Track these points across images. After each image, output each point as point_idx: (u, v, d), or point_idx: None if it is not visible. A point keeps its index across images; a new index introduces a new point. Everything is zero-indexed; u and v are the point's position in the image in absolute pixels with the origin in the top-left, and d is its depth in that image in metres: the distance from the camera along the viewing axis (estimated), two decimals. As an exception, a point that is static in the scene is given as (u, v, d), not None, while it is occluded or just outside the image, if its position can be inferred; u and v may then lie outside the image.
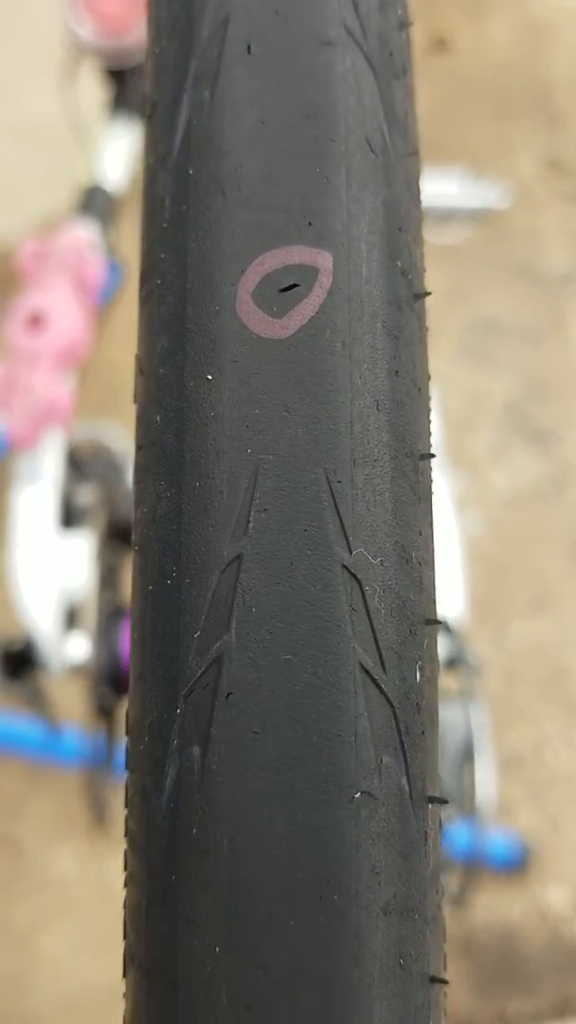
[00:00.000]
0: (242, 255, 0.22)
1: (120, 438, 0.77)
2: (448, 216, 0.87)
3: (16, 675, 0.63)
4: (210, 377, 0.22)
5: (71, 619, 0.64)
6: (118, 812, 0.83)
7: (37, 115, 1.32)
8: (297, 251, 0.22)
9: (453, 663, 0.67)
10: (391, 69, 0.25)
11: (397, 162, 0.24)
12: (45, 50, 1.02)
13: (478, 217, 0.89)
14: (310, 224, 0.23)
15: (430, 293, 0.24)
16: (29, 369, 0.64)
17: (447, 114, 1.81)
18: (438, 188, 0.87)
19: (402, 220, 0.24)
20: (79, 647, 0.63)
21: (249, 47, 0.23)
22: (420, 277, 0.24)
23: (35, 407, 0.63)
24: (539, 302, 1.62)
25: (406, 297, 0.24)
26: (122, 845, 0.22)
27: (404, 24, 0.26)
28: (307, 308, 0.22)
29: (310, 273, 0.22)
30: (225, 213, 0.22)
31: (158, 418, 0.22)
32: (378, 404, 0.22)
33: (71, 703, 0.72)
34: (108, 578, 0.64)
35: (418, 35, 1.90)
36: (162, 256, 0.23)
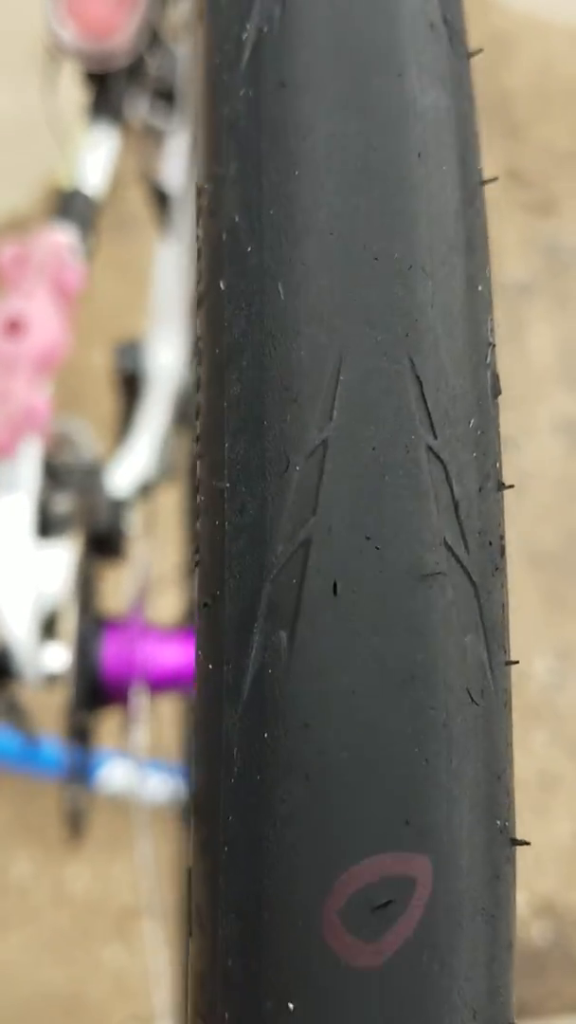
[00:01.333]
0: (327, 867, 0.19)
1: (88, 433, 0.76)
2: None
3: (-9, 686, 0.62)
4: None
5: (48, 629, 0.63)
6: (94, 825, 0.82)
7: (1, 115, 1.30)
8: (391, 860, 0.20)
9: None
10: (491, 563, 0.23)
11: (496, 695, 0.22)
12: (9, 47, 1.00)
13: None
14: (407, 823, 0.20)
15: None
16: (7, 376, 0.63)
17: (409, 121, 1.83)
18: None
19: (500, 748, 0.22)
20: (56, 657, 0.63)
21: (335, 586, 0.20)
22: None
23: (12, 414, 0.62)
24: (498, 311, 1.64)
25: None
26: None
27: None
28: (403, 928, 0.20)
29: (406, 885, 0.20)
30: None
31: None
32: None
33: (48, 714, 0.71)
34: (86, 587, 0.64)
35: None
36: None
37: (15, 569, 0.62)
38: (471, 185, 0.23)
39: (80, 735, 0.62)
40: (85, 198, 0.69)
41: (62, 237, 0.67)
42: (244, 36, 0.22)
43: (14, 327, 0.64)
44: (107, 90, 0.70)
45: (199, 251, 0.23)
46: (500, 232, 1.74)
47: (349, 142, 0.21)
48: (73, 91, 0.74)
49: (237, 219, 0.22)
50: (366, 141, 0.22)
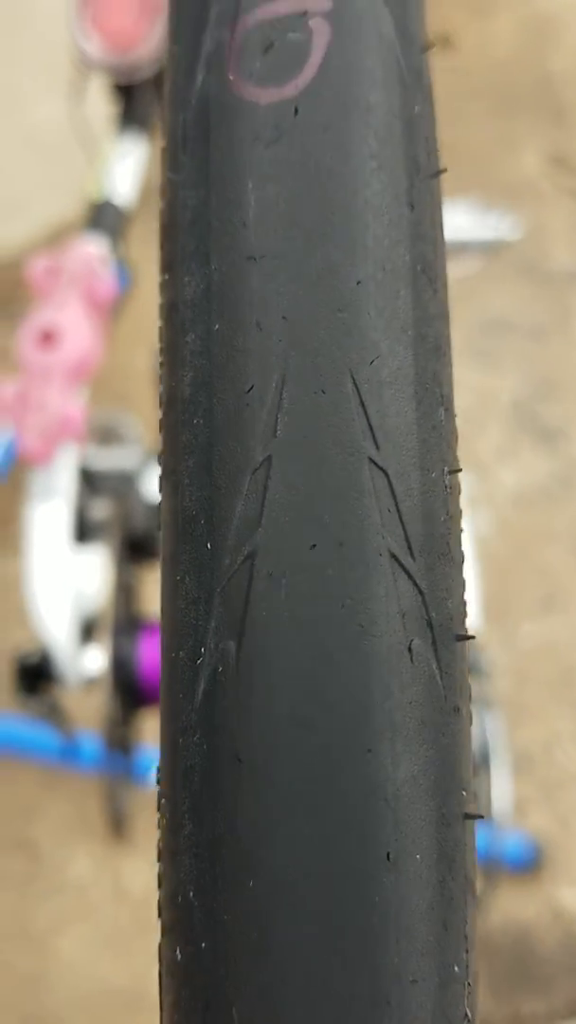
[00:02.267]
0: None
1: (135, 427, 0.77)
2: (459, 249, 0.86)
3: (33, 689, 0.63)
4: None
5: (87, 632, 0.64)
6: (135, 821, 0.84)
7: (46, 124, 1.33)
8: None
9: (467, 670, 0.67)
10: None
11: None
12: (54, 59, 1.02)
13: (490, 249, 0.89)
14: None
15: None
16: (42, 385, 0.65)
17: (451, 112, 1.81)
18: (448, 221, 0.86)
19: None
20: (95, 660, 0.64)
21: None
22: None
23: (48, 423, 0.64)
24: (545, 300, 1.62)
25: None
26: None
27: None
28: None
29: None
30: None
31: None
32: None
33: (88, 717, 0.72)
34: (124, 591, 0.65)
35: (422, 32, 1.89)
36: None
37: (54, 574, 0.63)
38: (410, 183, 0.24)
39: (119, 736, 0.63)
40: (115, 208, 0.70)
41: (93, 248, 0.69)
42: None
43: (47, 338, 0.66)
44: (134, 101, 0.71)
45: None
46: (547, 219, 1.71)
47: None
48: (101, 103, 0.75)
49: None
50: None
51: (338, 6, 0.23)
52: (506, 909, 1.14)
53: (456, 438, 0.23)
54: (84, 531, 0.66)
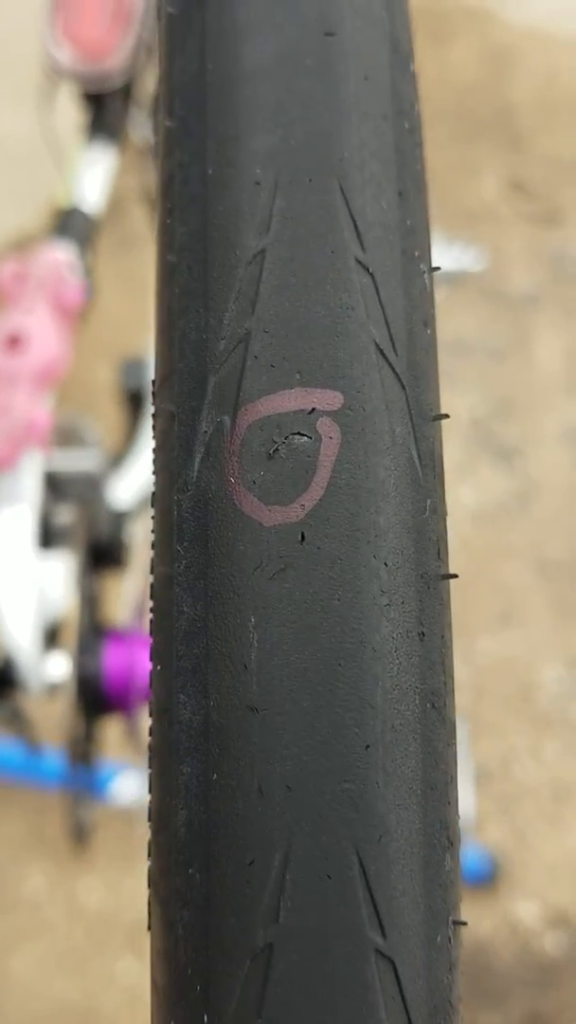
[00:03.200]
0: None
1: (94, 430, 0.77)
2: None
3: (-5, 696, 0.63)
4: None
5: (51, 638, 0.64)
6: (106, 838, 0.83)
7: (12, 135, 1.32)
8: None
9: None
10: None
11: None
12: (20, 69, 1.02)
13: (453, 280, 0.90)
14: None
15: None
16: (8, 390, 0.64)
17: (413, 136, 1.84)
18: None
19: None
20: (59, 667, 0.63)
21: None
22: None
23: (14, 428, 0.63)
24: (504, 322, 1.65)
25: None
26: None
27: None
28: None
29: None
30: None
31: None
32: None
33: (51, 723, 0.71)
34: (88, 598, 0.64)
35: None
36: None
37: (18, 580, 0.63)
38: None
39: (82, 744, 0.63)
40: (83, 215, 0.70)
41: (61, 254, 0.69)
42: None
43: (14, 342, 0.65)
44: (104, 110, 0.71)
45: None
46: (505, 243, 1.75)
47: None
48: (71, 112, 0.75)
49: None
50: None
51: (348, 403, 0.21)
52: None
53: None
54: (48, 537, 0.65)
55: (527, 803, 1.23)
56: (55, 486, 0.67)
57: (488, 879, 1.15)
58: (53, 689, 0.62)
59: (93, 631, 0.63)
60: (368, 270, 0.22)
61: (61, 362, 0.67)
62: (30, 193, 1.45)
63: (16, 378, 0.64)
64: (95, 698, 0.61)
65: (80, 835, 0.68)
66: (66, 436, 0.75)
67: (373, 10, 0.24)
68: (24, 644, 0.61)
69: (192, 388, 0.22)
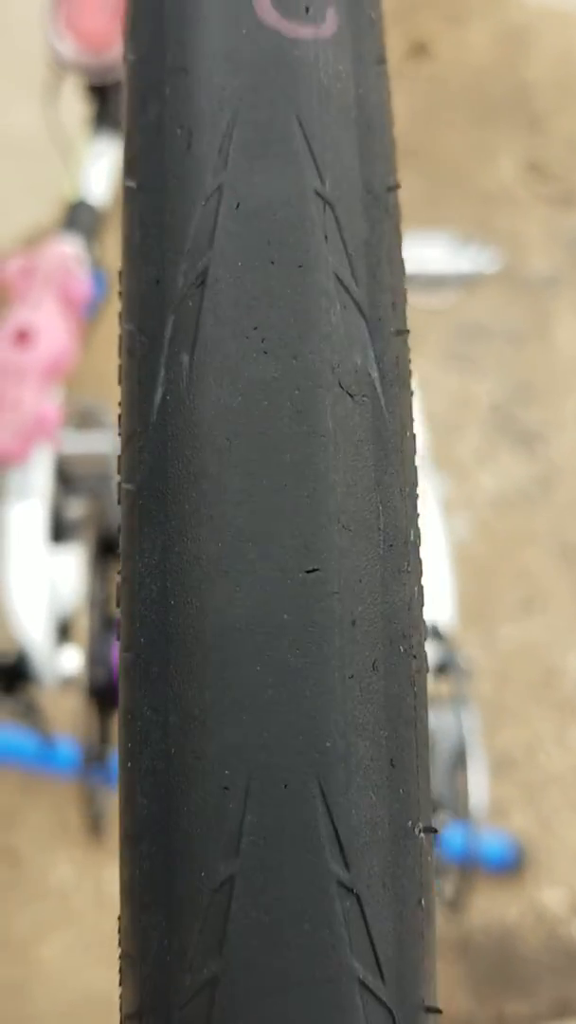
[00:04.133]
0: None
1: (109, 413, 0.77)
2: (437, 282, 0.87)
3: (9, 689, 0.63)
4: None
5: (63, 632, 0.64)
6: (113, 823, 0.83)
7: (22, 129, 1.33)
8: None
9: (444, 668, 0.67)
10: None
11: None
12: (29, 64, 1.02)
13: (467, 282, 0.89)
14: None
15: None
16: (16, 384, 0.64)
17: (428, 120, 1.82)
18: (426, 253, 0.86)
19: None
20: (72, 660, 0.64)
21: None
22: None
23: (23, 422, 0.63)
24: (523, 305, 1.63)
25: None
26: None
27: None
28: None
29: None
30: None
31: None
32: None
33: (65, 715, 0.72)
34: (100, 590, 0.65)
35: (398, 40, 1.91)
36: None
37: (30, 574, 0.63)
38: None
39: (96, 738, 0.63)
40: (89, 208, 0.70)
41: (68, 248, 0.69)
42: None
43: (23, 337, 0.65)
44: (108, 102, 0.71)
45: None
46: (523, 226, 1.73)
47: None
48: (77, 105, 0.75)
49: None
50: None
51: None
52: (489, 910, 1.14)
53: None
54: (60, 530, 0.65)
55: (552, 790, 1.22)
56: (66, 479, 0.67)
57: (514, 866, 1.15)
58: (66, 682, 0.63)
59: (105, 624, 0.63)
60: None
61: (69, 356, 0.67)
62: (46, 187, 1.45)
63: (25, 373, 0.64)
64: (108, 691, 0.61)
65: (97, 825, 0.68)
66: (83, 418, 0.75)
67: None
68: (37, 638, 0.61)
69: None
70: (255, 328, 0.22)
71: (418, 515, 0.24)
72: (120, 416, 0.23)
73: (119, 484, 0.23)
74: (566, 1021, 1.10)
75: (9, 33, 1.37)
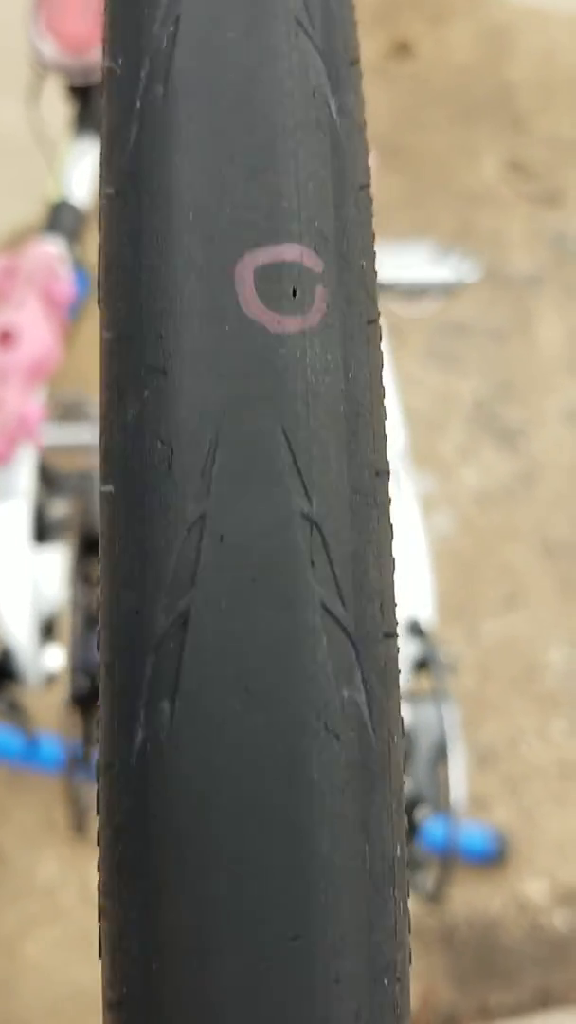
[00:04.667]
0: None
1: (95, 406, 0.78)
2: (418, 290, 0.87)
3: (-6, 687, 0.64)
4: None
5: (47, 631, 0.65)
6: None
7: (7, 129, 1.32)
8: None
9: (425, 663, 0.68)
10: None
11: None
12: (13, 64, 1.03)
13: (449, 291, 0.90)
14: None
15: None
16: (0, 386, 0.65)
17: (410, 118, 1.83)
18: (407, 262, 0.87)
19: None
20: (55, 658, 0.64)
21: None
22: None
23: (6, 423, 0.64)
24: (505, 303, 1.64)
25: None
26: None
27: None
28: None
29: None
30: None
31: None
32: None
33: (48, 713, 0.73)
34: (82, 591, 0.65)
35: (381, 40, 1.91)
36: None
37: (14, 574, 0.64)
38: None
39: (79, 733, 0.64)
40: (72, 209, 0.70)
41: (51, 248, 0.69)
42: None
43: (5, 337, 0.66)
44: (90, 102, 0.71)
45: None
46: (506, 225, 1.74)
47: None
48: (60, 106, 0.75)
49: None
50: None
51: None
52: (472, 902, 1.15)
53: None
54: (44, 530, 0.66)
55: (535, 783, 1.24)
56: (49, 479, 0.67)
57: (496, 858, 1.16)
58: (50, 681, 0.63)
59: (88, 623, 0.64)
60: None
61: (52, 356, 0.67)
62: (31, 187, 1.45)
63: (8, 373, 0.65)
64: (91, 688, 0.62)
65: (80, 821, 0.69)
66: (68, 411, 0.75)
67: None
68: (21, 637, 0.62)
69: None
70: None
71: (403, 833, 0.23)
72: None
73: None
74: (549, 1011, 1.11)
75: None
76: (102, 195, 0.24)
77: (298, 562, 0.22)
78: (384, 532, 0.24)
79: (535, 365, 1.58)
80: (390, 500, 0.24)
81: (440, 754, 0.64)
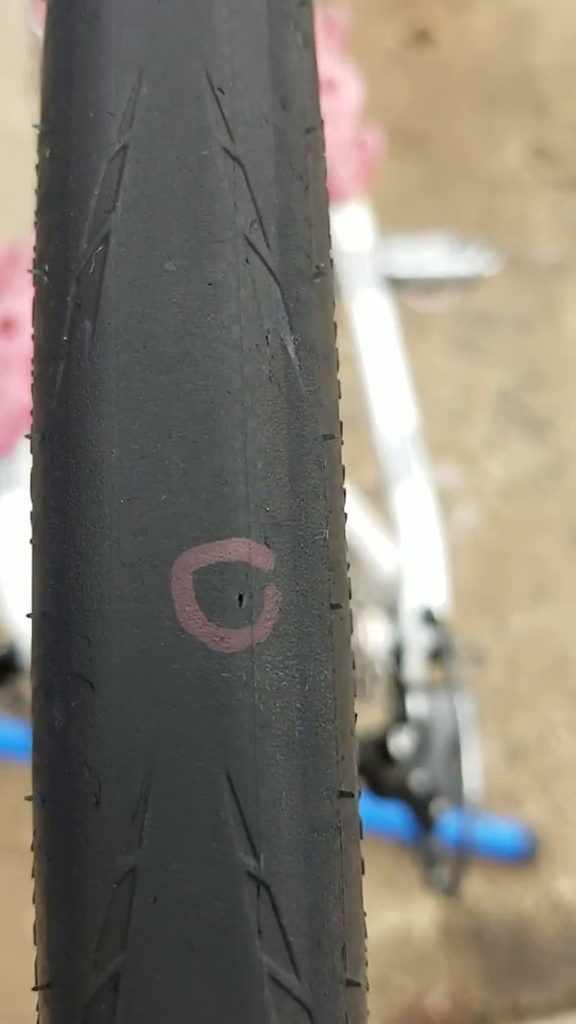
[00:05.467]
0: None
1: None
2: (435, 284, 0.85)
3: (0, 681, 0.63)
4: None
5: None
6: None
7: (25, 125, 1.33)
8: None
9: (439, 654, 0.66)
10: None
11: None
12: (19, 65, 1.02)
13: (466, 285, 0.88)
14: None
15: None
16: (2, 374, 0.64)
17: (433, 106, 1.81)
18: (424, 256, 0.85)
19: None
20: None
21: None
22: None
23: (8, 413, 0.63)
24: (530, 291, 1.61)
25: None
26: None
27: None
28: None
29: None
30: None
31: None
32: None
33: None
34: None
35: (401, 28, 1.89)
36: None
37: (18, 565, 0.63)
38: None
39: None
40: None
41: (52, 236, 0.68)
42: None
43: (7, 326, 0.65)
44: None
45: None
46: (530, 211, 1.71)
47: None
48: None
49: None
50: None
51: None
52: (504, 900, 1.13)
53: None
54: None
55: (566, 778, 1.21)
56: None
57: (528, 856, 1.14)
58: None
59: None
60: None
61: (55, 345, 0.67)
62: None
63: (9, 362, 0.64)
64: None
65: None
66: None
67: None
68: (26, 629, 0.61)
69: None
70: None
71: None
72: None
73: None
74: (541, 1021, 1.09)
75: (6, 31, 1.37)
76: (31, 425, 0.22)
77: (245, 930, 0.19)
78: (350, 860, 0.20)
79: (562, 353, 1.55)
80: (358, 820, 0.21)
81: (454, 746, 0.63)
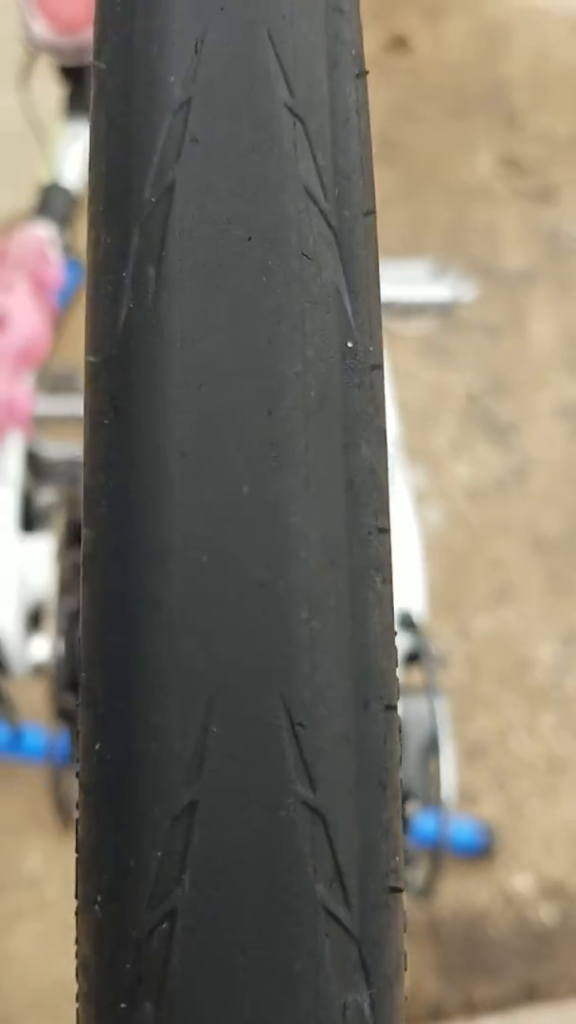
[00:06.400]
0: None
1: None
2: (413, 310, 0.86)
3: (-20, 676, 0.63)
4: None
5: (34, 621, 0.64)
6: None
7: (5, 112, 1.31)
8: None
9: (415, 657, 0.68)
10: None
11: None
12: (7, 49, 1.01)
13: (444, 311, 0.89)
14: None
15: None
16: (-11, 370, 0.64)
17: (406, 113, 1.83)
18: (403, 281, 0.86)
19: None
20: (42, 648, 0.63)
21: None
22: None
23: (-5, 408, 0.63)
24: (499, 298, 1.64)
25: None
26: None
27: None
28: None
29: None
30: None
31: None
32: None
33: (34, 705, 0.72)
34: (70, 579, 0.64)
35: (377, 34, 1.91)
36: None
37: (1, 562, 0.63)
38: None
39: (65, 723, 0.63)
40: (63, 192, 0.70)
41: (41, 232, 0.68)
42: None
43: (-6, 322, 0.65)
44: (82, 84, 0.70)
45: None
46: (500, 220, 1.73)
47: None
48: (54, 88, 0.74)
49: None
50: None
51: None
52: (459, 895, 1.15)
53: None
54: (31, 518, 0.65)
55: (522, 777, 1.23)
56: (37, 467, 0.67)
57: (484, 852, 1.16)
58: (37, 670, 0.62)
59: (76, 611, 0.63)
60: None
61: (42, 341, 0.67)
62: (21, 175, 1.44)
63: (-4, 358, 0.64)
64: (76, 679, 0.61)
65: (65, 814, 0.68)
66: (58, 382, 0.75)
67: None
68: (7, 626, 0.61)
69: None
70: None
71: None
72: None
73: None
74: (534, 1004, 1.11)
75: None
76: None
77: (300, 862, 0.20)
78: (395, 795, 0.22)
79: (528, 360, 1.58)
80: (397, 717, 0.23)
81: (431, 748, 0.64)
